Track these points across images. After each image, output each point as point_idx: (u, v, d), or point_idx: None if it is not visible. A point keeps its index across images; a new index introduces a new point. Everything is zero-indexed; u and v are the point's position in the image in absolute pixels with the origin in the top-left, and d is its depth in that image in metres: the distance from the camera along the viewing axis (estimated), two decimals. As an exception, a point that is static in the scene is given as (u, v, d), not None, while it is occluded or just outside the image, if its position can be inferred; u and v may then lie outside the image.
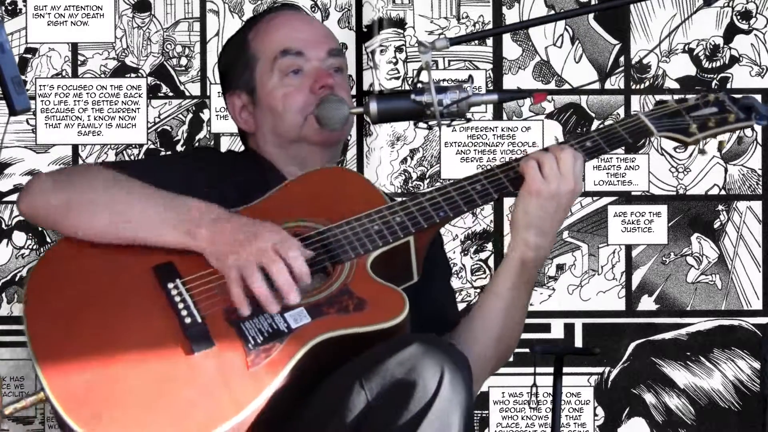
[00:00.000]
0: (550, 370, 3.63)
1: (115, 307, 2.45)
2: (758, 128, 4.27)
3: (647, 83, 4.28)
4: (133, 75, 4.23)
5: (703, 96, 2.77)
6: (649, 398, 4.25)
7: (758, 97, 4.23)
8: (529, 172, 2.58)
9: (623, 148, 4.24)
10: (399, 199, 2.66)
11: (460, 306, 3.06)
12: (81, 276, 2.50)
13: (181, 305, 2.43)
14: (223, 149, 4.17)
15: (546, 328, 4.24)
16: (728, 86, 4.25)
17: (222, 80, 2.98)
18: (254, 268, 2.43)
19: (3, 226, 4.18)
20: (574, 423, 4.24)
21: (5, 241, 4.18)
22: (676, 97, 2.80)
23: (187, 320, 2.40)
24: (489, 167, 2.66)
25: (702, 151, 2.75)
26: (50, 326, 2.42)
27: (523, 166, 2.60)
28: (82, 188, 2.58)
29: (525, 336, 4.17)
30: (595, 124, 4.24)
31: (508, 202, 4.19)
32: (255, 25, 2.92)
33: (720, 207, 4.27)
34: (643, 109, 4.07)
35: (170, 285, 2.45)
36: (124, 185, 2.58)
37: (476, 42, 4.25)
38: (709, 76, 4.27)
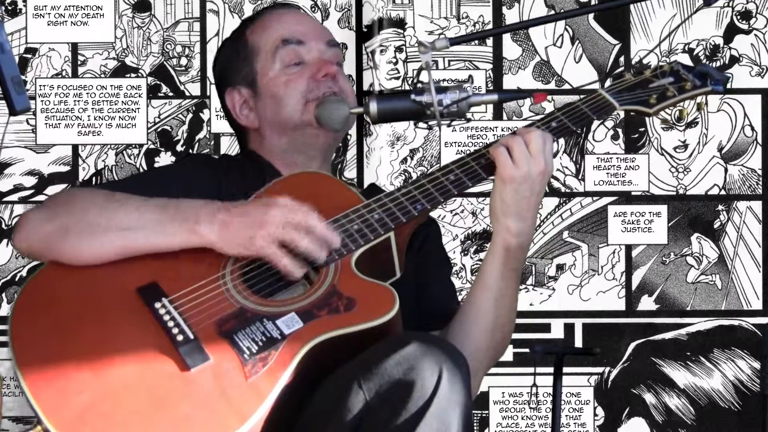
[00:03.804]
0: (550, 370, 3.62)
1: (102, 331, 2.42)
2: (758, 128, 4.27)
3: (647, 83, 4.27)
4: (133, 75, 4.23)
5: (659, 67, 2.80)
6: (649, 398, 4.25)
7: (758, 97, 4.26)
8: (499, 159, 2.58)
9: (622, 147, 4.27)
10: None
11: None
12: (66, 302, 2.48)
13: (171, 323, 2.41)
14: (223, 149, 4.18)
15: (546, 328, 4.24)
16: (728, 86, 4.25)
17: (219, 79, 2.98)
18: (291, 232, 2.45)
19: (3, 226, 4.18)
20: (574, 423, 4.24)
21: (5, 241, 4.18)
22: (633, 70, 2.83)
23: (179, 337, 2.39)
24: (460, 156, 2.66)
25: (679, 119, 2.79)
26: (39, 354, 2.39)
27: (493, 152, 2.60)
28: (75, 211, 2.56)
29: (525, 336, 4.23)
30: (595, 124, 4.24)
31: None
32: (253, 23, 2.94)
33: (720, 207, 4.27)
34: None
35: (157, 305, 2.44)
36: (117, 199, 2.58)
37: (476, 42, 4.26)
38: (709, 76, 4.27)
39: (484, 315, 2.68)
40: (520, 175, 2.57)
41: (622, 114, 4.02)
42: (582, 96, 2.75)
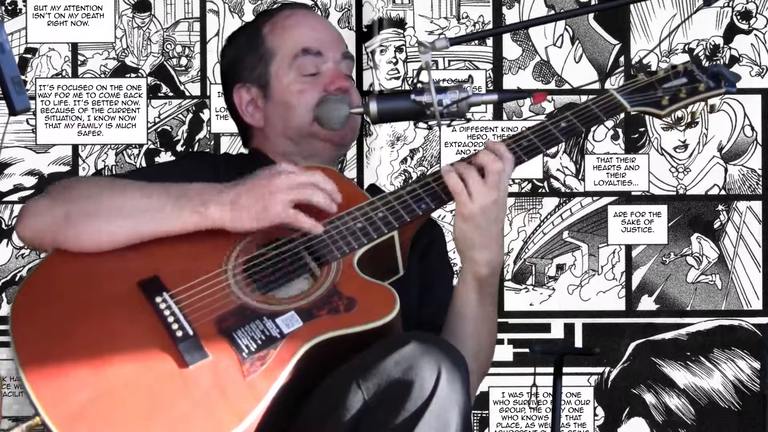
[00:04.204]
0: (550, 370, 3.63)
1: (103, 326, 2.42)
2: (758, 128, 4.27)
3: (647, 83, 4.27)
4: (133, 75, 4.23)
5: (673, 67, 2.77)
6: (649, 398, 4.24)
7: (758, 97, 4.26)
8: (456, 197, 2.57)
9: (622, 147, 4.27)
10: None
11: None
12: (66, 296, 2.47)
13: (171, 319, 2.40)
14: (223, 149, 4.18)
15: (546, 328, 4.24)
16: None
17: (228, 72, 2.95)
18: (301, 191, 2.49)
19: (3, 226, 4.18)
20: (574, 423, 4.24)
21: (5, 241, 4.18)
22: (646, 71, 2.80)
23: (179, 333, 2.38)
24: (464, 157, 2.66)
25: (691, 115, 2.77)
26: (39, 348, 2.39)
27: (449, 184, 2.58)
28: (77, 198, 2.56)
29: (525, 336, 4.23)
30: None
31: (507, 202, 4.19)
32: (270, 20, 2.91)
33: (720, 207, 4.27)
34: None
35: (158, 299, 2.43)
36: (119, 185, 2.58)
37: (476, 42, 4.25)
38: (709, 76, 4.27)
39: (465, 342, 2.64)
40: (478, 209, 2.56)
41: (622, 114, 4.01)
42: (593, 96, 2.73)
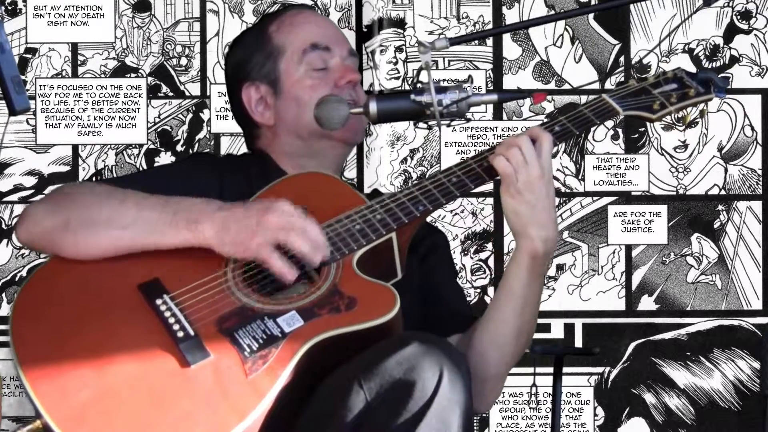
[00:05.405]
0: (550, 370, 3.63)
1: (103, 328, 2.42)
2: (758, 128, 4.27)
3: (647, 83, 4.27)
4: (133, 75, 4.23)
5: (663, 73, 2.81)
6: (649, 398, 4.25)
7: (758, 97, 4.26)
8: (501, 171, 2.59)
9: (622, 147, 4.27)
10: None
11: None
12: (67, 299, 2.48)
13: (172, 320, 2.41)
14: (223, 149, 4.18)
15: (546, 328, 4.24)
16: (728, 86, 4.25)
17: (234, 73, 2.95)
18: (287, 234, 2.46)
19: (3, 226, 4.18)
20: (574, 423, 4.25)
21: (5, 241, 4.18)
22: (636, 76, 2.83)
23: (180, 334, 2.38)
24: (463, 159, 2.66)
25: (680, 120, 2.80)
26: (40, 350, 2.39)
27: (493, 163, 2.60)
28: (77, 206, 2.56)
29: (525, 336, 4.23)
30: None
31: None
32: (276, 20, 2.93)
33: (720, 207, 4.27)
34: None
35: (158, 301, 2.44)
36: (118, 195, 2.58)
37: (476, 42, 4.26)
38: (709, 76, 4.27)
39: (509, 322, 2.66)
40: (522, 184, 2.58)
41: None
42: (586, 101, 2.75)
